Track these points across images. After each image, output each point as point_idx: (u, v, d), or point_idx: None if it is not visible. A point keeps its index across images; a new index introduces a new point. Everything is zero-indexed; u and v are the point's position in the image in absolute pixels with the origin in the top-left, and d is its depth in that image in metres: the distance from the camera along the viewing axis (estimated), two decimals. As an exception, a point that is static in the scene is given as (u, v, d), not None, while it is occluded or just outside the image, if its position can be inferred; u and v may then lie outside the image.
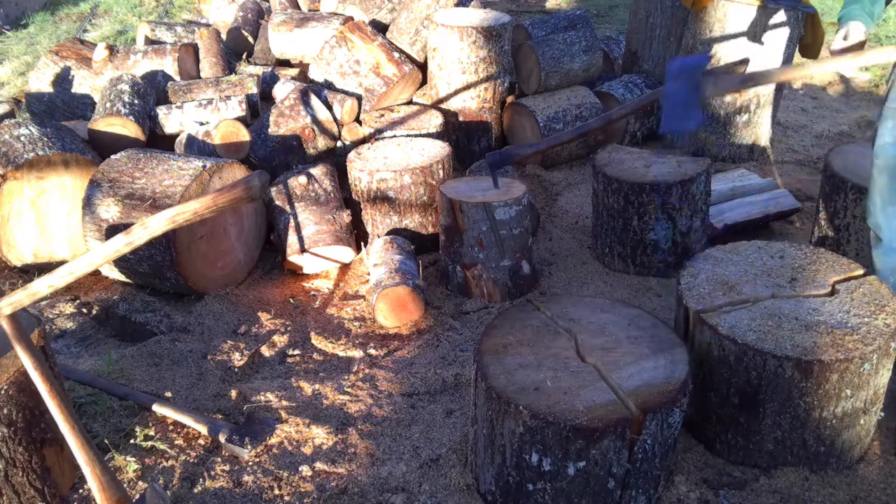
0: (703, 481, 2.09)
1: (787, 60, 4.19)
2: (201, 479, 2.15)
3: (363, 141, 4.03)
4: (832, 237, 3.03)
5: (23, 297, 1.83)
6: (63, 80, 4.37)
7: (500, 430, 1.83)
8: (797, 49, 4.20)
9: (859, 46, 2.38)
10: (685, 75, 2.40)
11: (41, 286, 1.83)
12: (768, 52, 4.07)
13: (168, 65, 4.39)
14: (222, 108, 3.88)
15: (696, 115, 2.39)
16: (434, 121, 4.06)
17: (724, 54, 4.16)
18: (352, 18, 4.60)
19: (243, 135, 3.71)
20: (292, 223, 3.39)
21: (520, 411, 1.76)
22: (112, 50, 4.44)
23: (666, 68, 2.49)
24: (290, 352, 2.88)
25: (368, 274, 3.32)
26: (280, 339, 2.94)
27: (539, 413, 1.73)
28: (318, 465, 2.20)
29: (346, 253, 3.41)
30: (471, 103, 4.29)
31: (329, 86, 4.24)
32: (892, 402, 2.25)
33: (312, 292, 3.34)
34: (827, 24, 6.91)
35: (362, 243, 3.56)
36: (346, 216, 3.47)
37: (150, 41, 5.07)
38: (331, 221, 3.41)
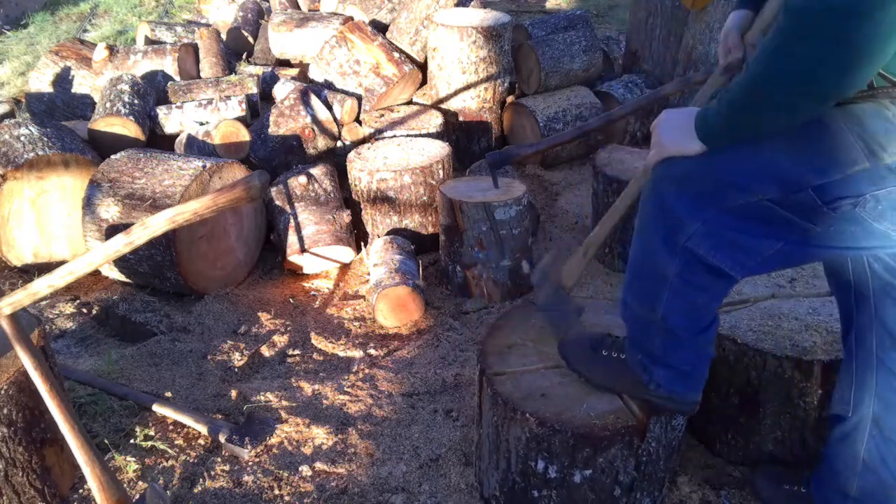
0: (704, 482, 2.09)
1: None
2: (201, 479, 2.15)
3: (363, 141, 4.03)
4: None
5: (23, 297, 1.83)
6: (63, 80, 4.37)
7: (506, 436, 1.81)
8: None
9: None
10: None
11: (41, 286, 1.82)
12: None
13: (168, 65, 4.40)
14: (222, 108, 3.89)
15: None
16: (434, 121, 4.06)
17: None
18: (352, 18, 4.60)
19: (243, 135, 3.71)
20: (292, 223, 3.39)
21: (526, 418, 1.73)
22: (112, 50, 4.44)
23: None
24: (290, 352, 2.88)
25: (368, 274, 3.32)
26: (280, 339, 2.94)
27: (546, 420, 1.70)
28: (318, 465, 2.20)
29: (346, 253, 3.41)
30: (471, 103, 4.29)
31: (329, 86, 4.23)
32: None
33: (312, 292, 3.34)
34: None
35: (362, 243, 3.56)
36: (346, 216, 3.47)
37: (150, 41, 5.08)
38: (331, 221, 3.41)
